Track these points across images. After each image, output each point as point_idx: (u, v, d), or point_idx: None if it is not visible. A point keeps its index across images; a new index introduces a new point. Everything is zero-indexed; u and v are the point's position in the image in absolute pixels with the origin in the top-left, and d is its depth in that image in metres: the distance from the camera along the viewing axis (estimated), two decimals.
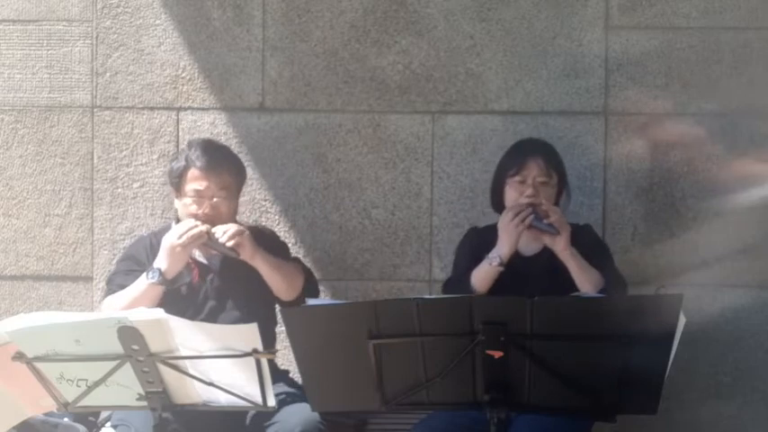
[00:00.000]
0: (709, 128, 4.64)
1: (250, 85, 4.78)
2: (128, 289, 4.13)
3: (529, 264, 4.17)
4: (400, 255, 4.76)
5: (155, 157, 4.79)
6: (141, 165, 4.80)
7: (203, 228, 4.11)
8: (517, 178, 4.19)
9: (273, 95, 4.77)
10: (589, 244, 4.20)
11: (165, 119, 4.80)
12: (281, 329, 4.14)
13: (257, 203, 4.76)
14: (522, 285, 3.98)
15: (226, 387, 3.39)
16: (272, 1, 4.76)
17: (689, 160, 4.65)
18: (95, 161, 4.82)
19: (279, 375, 4.10)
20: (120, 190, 4.81)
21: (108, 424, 4.09)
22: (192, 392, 3.43)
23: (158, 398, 3.38)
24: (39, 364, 3.33)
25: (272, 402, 3.41)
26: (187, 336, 3.32)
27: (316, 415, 3.82)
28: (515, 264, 4.13)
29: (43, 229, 4.83)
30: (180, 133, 4.79)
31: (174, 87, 4.80)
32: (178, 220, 4.26)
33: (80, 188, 4.82)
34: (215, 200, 4.18)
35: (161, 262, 4.10)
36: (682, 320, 3.08)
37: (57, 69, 4.82)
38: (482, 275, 4.12)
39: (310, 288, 4.29)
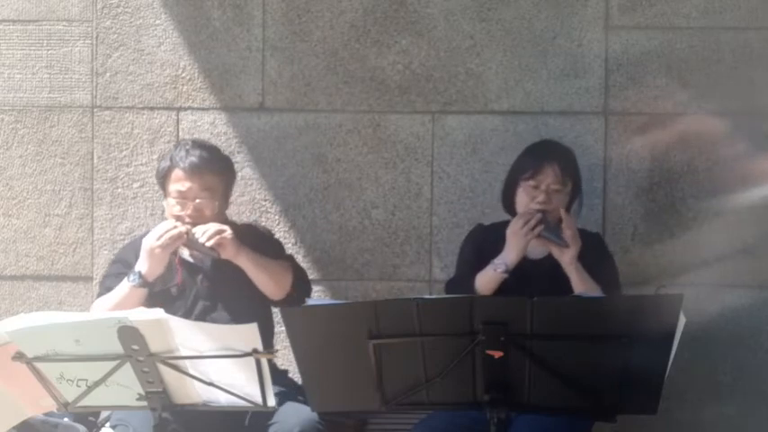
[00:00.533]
0: (709, 128, 4.64)
1: (250, 85, 4.78)
2: (112, 292, 4.13)
3: (533, 267, 4.15)
4: (400, 255, 4.75)
5: (155, 157, 4.79)
6: (141, 165, 4.80)
7: (182, 228, 4.08)
8: (531, 182, 4.15)
9: (273, 95, 4.77)
10: (596, 254, 4.17)
11: (165, 119, 4.80)
12: (281, 329, 4.14)
13: (257, 203, 4.76)
14: (524, 287, 3.96)
15: (226, 387, 3.39)
16: (272, 1, 4.76)
17: (689, 160, 4.66)
18: (95, 161, 4.82)
19: (277, 375, 4.10)
20: (120, 190, 4.81)
21: (108, 424, 4.09)
22: (192, 392, 3.43)
23: (158, 398, 3.38)
24: (39, 364, 3.33)
25: (272, 402, 3.41)
26: (187, 336, 3.32)
27: (314, 415, 3.82)
28: (520, 266, 4.11)
29: (43, 229, 4.83)
30: (180, 133, 4.79)
31: (174, 87, 4.80)
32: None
33: (80, 188, 4.82)
34: (198, 201, 4.16)
35: (141, 264, 4.09)
36: (682, 320, 3.08)
37: (57, 69, 4.82)
38: (486, 281, 4.10)
39: (301, 286, 4.26)
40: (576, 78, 4.70)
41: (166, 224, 4.12)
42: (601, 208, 4.68)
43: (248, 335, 3.30)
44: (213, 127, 4.78)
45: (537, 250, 4.18)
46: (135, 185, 4.80)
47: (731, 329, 4.63)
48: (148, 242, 4.09)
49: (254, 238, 4.25)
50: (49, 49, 4.82)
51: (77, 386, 3.38)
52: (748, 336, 4.66)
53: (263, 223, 4.70)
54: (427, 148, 4.74)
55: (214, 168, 4.23)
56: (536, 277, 4.10)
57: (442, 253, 4.71)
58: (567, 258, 4.07)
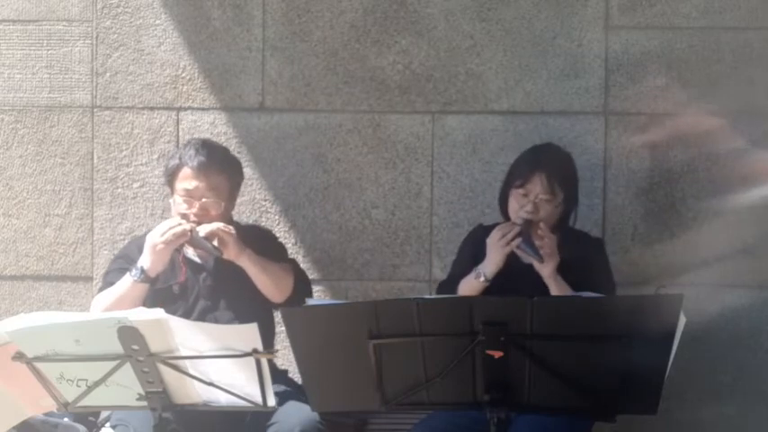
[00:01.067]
0: (709, 128, 4.64)
1: (250, 85, 4.78)
2: (114, 287, 4.14)
3: (523, 271, 4.12)
4: (400, 255, 4.75)
5: (155, 157, 4.79)
6: (141, 165, 4.80)
7: (186, 226, 4.09)
8: (521, 191, 4.16)
9: (273, 95, 4.77)
10: (593, 259, 4.16)
11: (165, 119, 4.80)
12: (281, 329, 4.14)
13: (257, 203, 4.76)
14: (513, 291, 3.95)
15: (226, 387, 3.39)
16: (272, 1, 4.76)
17: (689, 160, 4.66)
18: (95, 161, 4.82)
19: (277, 375, 4.10)
20: (120, 190, 4.81)
21: (108, 424, 4.09)
22: (192, 392, 3.43)
23: (158, 398, 3.38)
24: (39, 364, 3.33)
25: (272, 402, 3.41)
26: (187, 336, 3.32)
27: (315, 415, 3.82)
28: (510, 269, 4.11)
29: (43, 229, 4.83)
30: (180, 133, 4.79)
31: (174, 87, 4.80)
32: None
33: (80, 188, 4.82)
34: (204, 200, 4.17)
35: (144, 260, 4.10)
36: (682, 320, 3.08)
37: (57, 69, 4.82)
38: (468, 288, 4.11)
39: (303, 289, 4.27)
40: (576, 78, 4.70)
41: (171, 221, 4.14)
42: (601, 208, 4.68)
43: (248, 335, 3.30)
44: (213, 127, 4.78)
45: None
46: (135, 185, 4.80)
47: (731, 329, 4.63)
48: (152, 238, 4.10)
49: (258, 240, 4.26)
50: (49, 49, 4.82)
51: (77, 386, 3.38)
52: (748, 336, 4.66)
53: (263, 223, 4.70)
54: (427, 148, 4.74)
55: (222, 169, 4.24)
56: (525, 281, 4.07)
57: (442, 253, 4.71)
58: (546, 272, 4.06)
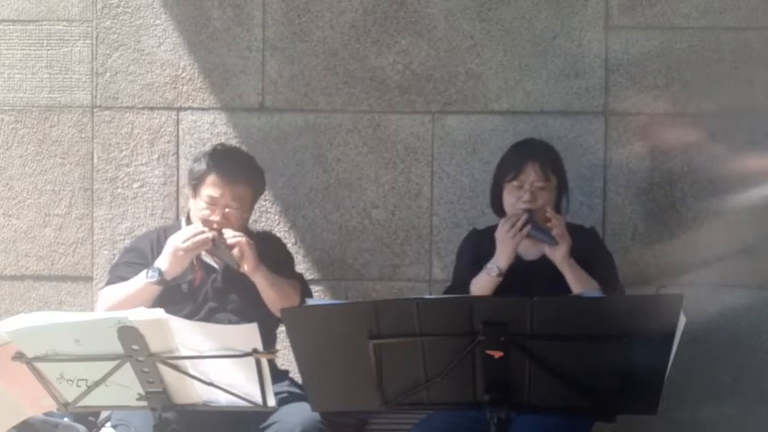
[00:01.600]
0: (709, 128, 4.64)
1: (250, 85, 4.78)
2: (126, 283, 4.14)
3: (530, 268, 4.15)
4: (400, 255, 4.75)
5: (155, 157, 4.79)
6: (141, 165, 4.80)
7: (209, 235, 4.12)
8: (515, 183, 4.17)
9: (273, 95, 4.77)
10: (592, 248, 4.18)
11: (165, 119, 4.80)
12: (281, 330, 4.14)
13: (257, 203, 4.75)
14: (522, 290, 3.95)
15: (226, 387, 3.39)
16: (272, 1, 4.76)
17: (689, 160, 4.66)
18: (95, 161, 4.82)
19: (279, 375, 4.10)
20: (120, 190, 4.81)
21: (108, 424, 4.10)
22: (192, 392, 3.43)
23: (158, 398, 3.38)
24: (39, 364, 3.33)
25: (272, 402, 3.41)
26: (187, 336, 3.32)
27: (316, 415, 3.82)
28: (516, 268, 4.11)
29: (43, 229, 4.83)
30: (180, 133, 4.79)
31: (174, 87, 4.80)
32: (188, 219, 4.27)
33: (80, 188, 4.82)
34: (227, 210, 4.19)
35: (162, 262, 4.11)
36: (682, 320, 3.08)
37: (57, 69, 4.82)
38: (481, 285, 4.11)
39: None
40: (576, 78, 4.70)
41: (194, 228, 4.15)
42: (601, 208, 4.69)
43: (248, 335, 3.30)
44: (213, 127, 4.78)
45: (531, 251, 4.18)
46: (135, 185, 4.80)
47: (731, 329, 4.63)
48: (174, 243, 4.11)
49: (269, 249, 4.28)
50: (49, 49, 4.82)
51: (77, 386, 3.38)
52: (748, 336, 4.66)
53: (263, 223, 4.70)
54: (427, 148, 4.74)
55: (249, 180, 4.26)
56: (534, 279, 4.09)
57: (442, 253, 4.71)
58: (559, 256, 4.07)
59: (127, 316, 3.27)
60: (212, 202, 4.19)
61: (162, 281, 4.09)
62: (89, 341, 3.29)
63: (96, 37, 4.81)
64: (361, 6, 4.74)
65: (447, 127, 4.74)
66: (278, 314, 4.15)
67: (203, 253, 4.22)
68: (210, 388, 3.40)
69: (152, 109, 4.80)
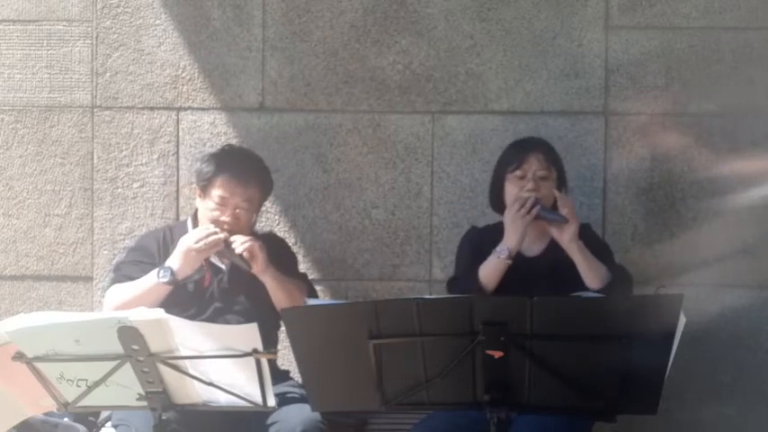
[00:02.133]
0: (709, 128, 4.64)
1: (250, 85, 4.78)
2: (136, 282, 4.14)
3: (531, 264, 4.16)
4: (400, 255, 4.76)
5: (155, 157, 4.79)
6: (141, 165, 4.80)
7: (221, 236, 4.13)
8: (517, 173, 4.18)
9: (273, 95, 4.77)
10: (590, 242, 4.19)
11: (165, 119, 4.80)
12: (281, 330, 4.13)
13: None
14: (523, 286, 3.97)
15: (226, 387, 3.39)
16: (272, 1, 4.76)
17: (689, 160, 4.66)
18: (95, 161, 4.82)
19: (280, 375, 4.10)
20: (120, 190, 4.81)
21: (108, 424, 4.10)
22: (192, 392, 3.43)
23: (158, 398, 3.38)
24: (39, 364, 3.33)
25: (271, 402, 3.41)
26: (187, 336, 3.32)
27: (316, 415, 3.82)
28: (517, 263, 4.12)
29: (43, 229, 4.83)
30: (180, 133, 4.79)
31: (174, 87, 4.80)
32: (195, 219, 4.28)
33: (80, 188, 4.82)
34: (237, 210, 4.20)
35: (174, 262, 4.11)
36: (682, 320, 3.08)
37: (57, 69, 4.82)
38: (490, 269, 4.10)
39: None
40: (576, 78, 4.70)
41: (206, 229, 4.16)
42: (601, 208, 4.69)
43: (248, 335, 3.30)
44: (213, 127, 4.78)
45: (533, 247, 4.19)
46: (135, 185, 4.80)
47: (731, 329, 4.63)
48: (186, 243, 4.12)
49: (274, 249, 4.27)
50: (49, 49, 4.82)
51: (77, 386, 3.38)
52: (748, 336, 4.66)
53: (263, 223, 4.70)
54: (427, 148, 4.74)
55: (259, 181, 4.28)
56: (536, 276, 4.09)
57: (442, 253, 4.72)
58: (568, 236, 4.08)
59: (127, 316, 3.27)
60: (223, 203, 4.20)
61: (174, 281, 4.09)
62: (89, 341, 3.29)
63: (96, 37, 4.81)
64: (361, 6, 4.74)
65: (447, 127, 4.74)
66: None
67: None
68: (210, 388, 3.40)
69: (152, 109, 4.80)
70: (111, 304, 4.15)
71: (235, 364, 3.34)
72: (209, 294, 4.21)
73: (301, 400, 3.92)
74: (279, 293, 4.17)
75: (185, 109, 4.80)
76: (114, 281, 4.25)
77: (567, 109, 4.70)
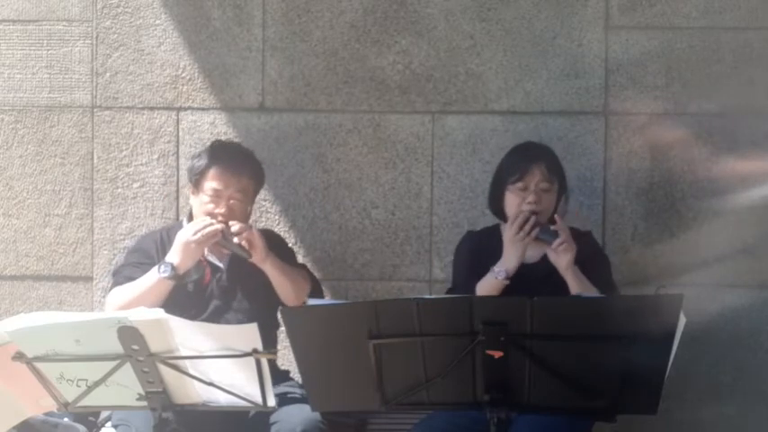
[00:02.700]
0: (709, 128, 4.64)
1: (250, 85, 4.78)
2: (137, 281, 4.14)
3: (531, 270, 4.14)
4: (400, 255, 4.76)
5: (155, 157, 4.79)
6: (141, 165, 4.80)
7: (218, 226, 4.13)
8: (519, 185, 4.15)
9: (273, 95, 4.77)
10: (588, 252, 4.17)
11: (165, 119, 4.80)
12: (281, 330, 4.13)
13: (257, 203, 4.73)
14: (523, 291, 3.95)
15: (226, 387, 3.39)
16: (272, 1, 4.76)
17: (689, 160, 4.66)
18: (95, 161, 4.82)
19: (280, 376, 4.10)
20: (120, 190, 4.81)
21: (108, 424, 4.10)
22: (192, 392, 3.43)
23: (158, 398, 3.38)
24: (39, 364, 3.33)
25: (271, 402, 3.41)
26: (187, 336, 3.32)
27: (317, 415, 3.82)
28: (518, 270, 4.10)
29: (43, 229, 4.83)
30: (180, 133, 4.79)
31: (174, 87, 4.80)
32: (191, 218, 4.28)
33: (80, 188, 4.82)
34: (231, 201, 4.20)
35: (174, 257, 4.11)
36: (682, 320, 3.08)
37: (57, 69, 4.82)
38: (488, 288, 4.09)
39: (316, 295, 4.30)
40: (576, 78, 4.70)
41: (203, 220, 4.16)
42: (601, 208, 4.69)
43: (248, 335, 3.30)
44: (213, 127, 4.78)
45: (532, 254, 4.17)
46: (135, 185, 4.81)
47: (731, 329, 4.63)
48: (184, 236, 4.12)
49: (272, 243, 4.27)
50: (49, 49, 4.82)
51: (77, 386, 3.38)
52: (748, 336, 4.66)
53: (263, 223, 4.70)
54: (427, 148, 4.75)
55: (251, 172, 4.28)
56: (534, 281, 4.08)
57: (442, 253, 4.72)
58: (564, 263, 4.06)
59: (127, 316, 3.27)
60: (216, 195, 4.20)
61: (175, 275, 4.09)
62: (89, 341, 3.29)
63: (96, 37, 4.81)
64: (361, 6, 4.74)
65: (447, 127, 4.74)
66: (290, 304, 4.17)
67: (206, 252, 4.21)
68: (210, 388, 3.40)
69: (152, 109, 4.80)
70: (113, 307, 4.13)
71: (235, 364, 3.34)
72: (209, 292, 4.21)
73: (301, 400, 3.92)
74: (282, 280, 4.17)
75: (185, 109, 4.80)
76: (115, 284, 4.24)
77: (567, 109, 4.70)
